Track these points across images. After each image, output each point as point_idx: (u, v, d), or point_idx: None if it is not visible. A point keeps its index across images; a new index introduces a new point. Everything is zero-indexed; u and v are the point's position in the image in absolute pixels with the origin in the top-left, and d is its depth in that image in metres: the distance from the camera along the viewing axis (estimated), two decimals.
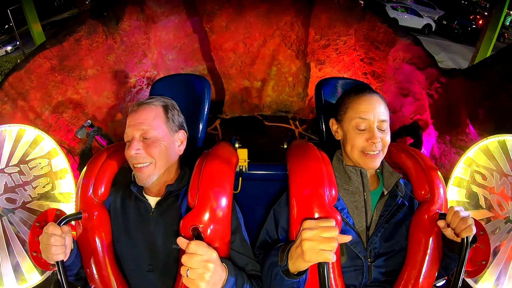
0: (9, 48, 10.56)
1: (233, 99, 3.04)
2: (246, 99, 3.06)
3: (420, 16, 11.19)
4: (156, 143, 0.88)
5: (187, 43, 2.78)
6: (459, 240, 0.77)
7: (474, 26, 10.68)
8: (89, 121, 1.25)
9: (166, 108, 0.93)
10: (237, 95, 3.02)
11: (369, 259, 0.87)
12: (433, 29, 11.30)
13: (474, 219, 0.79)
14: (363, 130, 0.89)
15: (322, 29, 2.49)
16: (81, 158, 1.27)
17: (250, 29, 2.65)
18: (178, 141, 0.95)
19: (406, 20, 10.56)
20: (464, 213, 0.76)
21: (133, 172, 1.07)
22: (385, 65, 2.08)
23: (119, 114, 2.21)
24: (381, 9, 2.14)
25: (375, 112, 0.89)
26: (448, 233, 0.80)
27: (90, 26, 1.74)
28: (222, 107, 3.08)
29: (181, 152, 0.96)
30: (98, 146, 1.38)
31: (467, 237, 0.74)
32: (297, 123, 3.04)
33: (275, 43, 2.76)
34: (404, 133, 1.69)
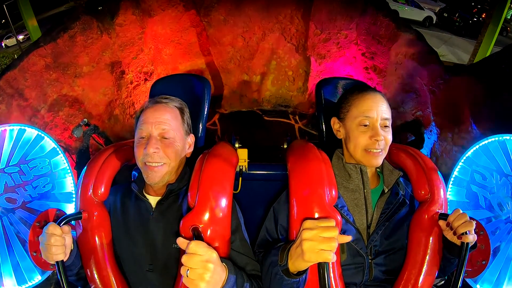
0: (20, 37, 10.29)
1: (232, 93, 3.01)
2: (245, 93, 3.03)
3: (421, 8, 11.04)
4: (174, 144, 0.89)
5: (184, 37, 2.73)
6: (459, 242, 0.77)
7: (475, 19, 10.55)
8: (85, 119, 1.24)
9: (182, 111, 0.95)
10: (236, 90, 2.99)
11: (369, 257, 0.88)
12: (434, 22, 11.16)
13: (474, 219, 0.79)
14: (367, 127, 0.89)
15: (323, 23, 2.45)
16: (78, 157, 1.27)
17: (249, 23, 2.60)
18: (188, 144, 0.97)
19: (407, 12, 10.42)
20: (467, 218, 0.76)
21: (133, 171, 1.07)
22: (387, 60, 2.05)
23: (117, 110, 2.19)
24: (383, 3, 2.10)
25: (378, 110, 0.89)
26: (449, 235, 0.80)
27: (85, 22, 1.70)
28: (221, 102, 3.05)
29: (189, 155, 0.98)
30: (95, 144, 1.37)
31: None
32: (297, 117, 3.01)
33: (275, 36, 2.71)
34: (406, 130, 1.69)
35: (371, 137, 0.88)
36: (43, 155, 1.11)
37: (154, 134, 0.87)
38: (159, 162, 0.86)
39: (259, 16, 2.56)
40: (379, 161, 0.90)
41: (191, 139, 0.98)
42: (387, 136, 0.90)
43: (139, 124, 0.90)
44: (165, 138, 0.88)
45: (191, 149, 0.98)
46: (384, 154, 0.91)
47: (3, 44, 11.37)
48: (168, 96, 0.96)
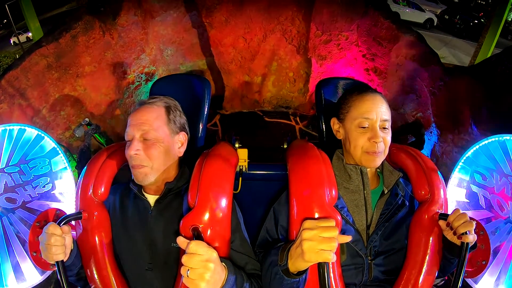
0: (30, 34, 10.38)
1: (233, 94, 3.01)
2: (246, 94, 3.03)
3: (422, 10, 11.07)
4: (156, 145, 0.88)
5: (186, 38, 2.75)
6: (459, 242, 0.77)
7: (476, 21, 10.54)
8: (86, 119, 1.25)
9: (168, 109, 0.93)
10: (237, 91, 3.00)
11: (369, 257, 0.88)
12: (434, 24, 11.19)
13: (474, 219, 0.79)
14: (366, 129, 0.89)
15: (323, 24, 2.46)
16: (80, 157, 1.27)
17: (250, 24, 2.61)
18: (179, 143, 0.95)
19: (408, 14, 10.44)
20: (467, 218, 0.76)
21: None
22: (387, 61, 2.06)
23: (118, 110, 2.20)
24: (383, 4, 2.10)
25: (377, 111, 0.89)
26: (449, 235, 0.80)
27: (87, 22, 1.71)
28: (222, 103, 3.06)
29: (181, 154, 0.97)
30: (96, 144, 1.38)
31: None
32: (297, 119, 3.02)
33: (276, 38, 2.72)
34: (406, 131, 1.69)
35: (370, 138, 0.88)
36: (43, 155, 1.11)
37: (136, 136, 0.87)
38: (142, 163, 0.86)
39: (260, 17, 2.57)
40: (378, 162, 0.90)
41: (182, 137, 0.96)
42: (386, 137, 0.90)
43: (126, 128, 0.90)
44: (146, 140, 0.87)
45: (183, 148, 0.96)
46: (383, 155, 0.91)
47: (11, 42, 11.43)
48: (156, 96, 0.95)
